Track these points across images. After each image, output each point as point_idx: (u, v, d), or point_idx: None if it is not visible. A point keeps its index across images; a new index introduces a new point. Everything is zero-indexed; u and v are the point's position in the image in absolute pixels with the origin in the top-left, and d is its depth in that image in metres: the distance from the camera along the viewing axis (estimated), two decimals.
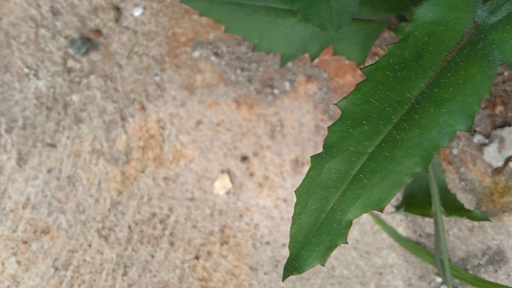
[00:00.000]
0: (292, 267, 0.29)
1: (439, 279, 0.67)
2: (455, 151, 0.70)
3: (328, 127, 0.31)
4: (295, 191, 0.31)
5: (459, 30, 0.30)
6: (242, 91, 0.68)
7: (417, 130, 0.27)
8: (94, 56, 0.68)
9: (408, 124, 0.27)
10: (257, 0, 0.45)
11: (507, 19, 0.29)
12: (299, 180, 0.67)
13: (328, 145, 0.30)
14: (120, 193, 0.64)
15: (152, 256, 0.63)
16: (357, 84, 0.30)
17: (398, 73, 0.29)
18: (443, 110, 0.27)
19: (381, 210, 0.28)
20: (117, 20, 0.68)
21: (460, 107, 0.26)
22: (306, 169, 0.68)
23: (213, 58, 0.68)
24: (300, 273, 0.29)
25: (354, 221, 0.68)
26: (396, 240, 0.67)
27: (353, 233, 0.67)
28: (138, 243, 0.63)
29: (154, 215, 0.64)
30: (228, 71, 0.68)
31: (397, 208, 0.64)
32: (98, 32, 0.68)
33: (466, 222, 0.69)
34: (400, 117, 0.28)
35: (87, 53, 0.68)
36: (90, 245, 0.63)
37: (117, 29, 0.68)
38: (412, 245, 0.67)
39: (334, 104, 0.31)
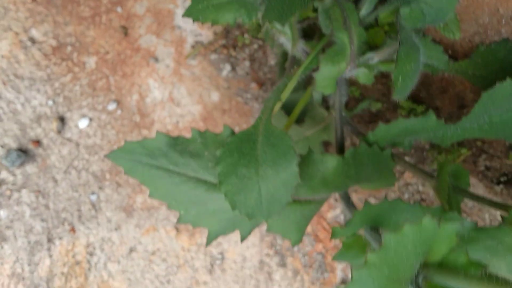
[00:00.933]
0: None
1: None
2: None
3: None
4: None
5: None
6: None
7: None
8: (30, 168, 0.64)
9: None
10: (187, 169, 0.41)
11: None
12: None
13: None
14: None
15: None
16: None
17: None
18: None
19: None
20: (59, 131, 0.64)
21: None
22: None
23: None
24: None
25: None
26: None
27: None
28: None
29: None
30: None
31: None
32: (37, 142, 0.64)
33: None
34: None
35: (22, 165, 0.63)
36: None
37: (59, 140, 0.65)
38: None
39: None
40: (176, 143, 0.42)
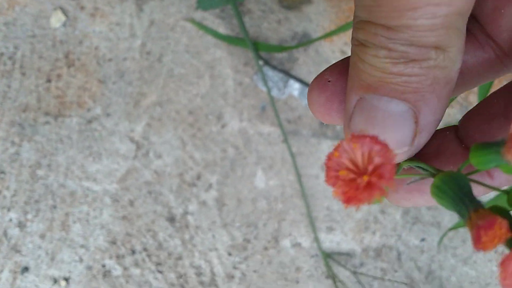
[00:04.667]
0: None
1: (260, 62, 0.82)
2: None
3: None
4: None
5: None
6: None
7: None
8: None
9: None
10: None
11: None
12: (127, 6, 0.79)
13: None
14: None
15: (9, 87, 0.72)
16: None
17: None
18: None
19: None
20: None
21: None
22: None
23: None
24: None
25: (179, 31, 0.81)
26: (219, 39, 0.81)
27: (182, 39, 0.80)
28: None
29: (1, 54, 0.73)
30: None
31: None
32: None
33: (273, 17, 0.85)
34: None
35: None
36: None
37: None
38: (232, 39, 0.81)
39: None
40: None
